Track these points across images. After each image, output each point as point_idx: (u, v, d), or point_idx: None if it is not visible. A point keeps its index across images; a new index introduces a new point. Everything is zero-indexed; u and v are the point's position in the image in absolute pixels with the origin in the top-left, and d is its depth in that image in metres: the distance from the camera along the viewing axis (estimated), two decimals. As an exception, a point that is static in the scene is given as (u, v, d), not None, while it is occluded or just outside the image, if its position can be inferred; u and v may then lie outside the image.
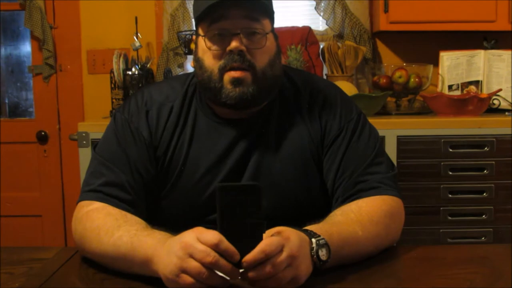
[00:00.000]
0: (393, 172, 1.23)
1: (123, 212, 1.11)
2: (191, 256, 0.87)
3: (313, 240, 0.96)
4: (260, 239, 0.88)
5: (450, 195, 2.35)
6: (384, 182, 1.19)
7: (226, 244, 0.86)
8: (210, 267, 0.86)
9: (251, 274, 0.87)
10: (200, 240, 0.87)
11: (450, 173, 2.34)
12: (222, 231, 0.87)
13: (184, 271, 0.87)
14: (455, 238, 2.36)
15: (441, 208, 2.35)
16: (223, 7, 1.14)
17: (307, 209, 1.22)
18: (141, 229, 1.03)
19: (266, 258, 0.86)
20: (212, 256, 0.85)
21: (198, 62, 1.21)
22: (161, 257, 0.93)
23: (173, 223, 1.05)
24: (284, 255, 0.88)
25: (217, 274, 0.87)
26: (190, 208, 1.22)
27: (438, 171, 2.33)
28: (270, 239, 0.88)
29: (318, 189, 1.25)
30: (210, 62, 1.18)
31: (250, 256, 0.86)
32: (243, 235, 0.87)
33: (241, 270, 0.88)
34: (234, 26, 1.15)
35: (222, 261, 0.86)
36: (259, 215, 0.87)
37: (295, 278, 0.90)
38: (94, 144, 1.28)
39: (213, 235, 0.87)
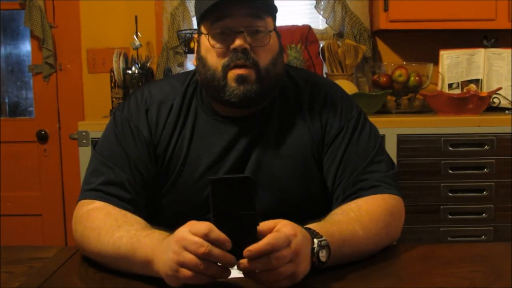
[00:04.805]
0: (393, 171, 1.23)
1: (123, 212, 1.11)
2: (186, 249, 0.87)
3: (315, 240, 0.96)
4: (253, 230, 0.88)
5: (450, 194, 2.35)
6: (384, 181, 1.19)
7: (217, 233, 0.87)
8: (205, 257, 0.86)
9: (253, 264, 0.87)
10: (191, 232, 0.88)
11: (450, 171, 2.34)
12: (215, 223, 0.88)
13: (181, 264, 0.87)
14: (455, 237, 2.36)
15: (441, 207, 2.35)
16: (226, 5, 1.14)
17: (307, 208, 1.22)
18: (141, 229, 1.03)
19: (271, 251, 0.87)
20: (205, 246, 0.86)
21: (201, 61, 1.20)
22: (160, 257, 0.93)
23: (173, 221, 1.05)
24: (288, 250, 0.88)
25: (215, 265, 0.87)
26: (190, 206, 1.22)
27: (438, 169, 2.33)
28: (278, 233, 0.89)
29: (318, 188, 1.25)
30: (214, 60, 1.17)
31: (255, 247, 0.87)
32: (236, 226, 0.88)
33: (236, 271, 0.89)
34: (238, 24, 1.15)
35: (216, 251, 0.86)
36: (252, 207, 0.88)
37: (293, 274, 0.90)
38: (94, 143, 1.28)
39: (203, 226, 0.87)
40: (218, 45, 1.16)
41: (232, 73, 1.15)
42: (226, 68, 1.16)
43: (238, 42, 1.14)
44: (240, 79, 1.15)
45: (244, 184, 0.88)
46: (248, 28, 1.15)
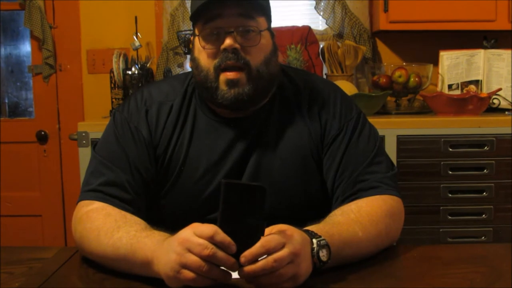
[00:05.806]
0: (392, 172, 1.23)
1: (123, 213, 1.11)
2: (190, 250, 0.87)
3: (314, 240, 0.96)
4: (257, 239, 0.88)
5: (450, 195, 2.35)
6: (384, 182, 1.19)
7: (222, 235, 0.87)
8: (208, 260, 0.86)
9: (251, 267, 0.87)
10: (196, 234, 0.88)
11: (450, 172, 2.34)
12: (220, 226, 0.87)
13: (184, 266, 0.87)
14: (455, 238, 2.36)
15: (441, 208, 2.35)
16: (217, 6, 1.14)
17: (306, 209, 1.22)
18: (140, 230, 1.03)
19: (267, 254, 0.87)
20: (210, 248, 0.86)
21: (194, 62, 1.21)
22: (161, 257, 0.93)
23: (173, 222, 1.05)
24: (286, 251, 0.88)
25: (218, 267, 0.87)
26: (190, 207, 1.22)
27: (438, 170, 2.33)
28: (271, 235, 0.88)
29: (318, 189, 1.25)
30: (206, 61, 1.18)
31: (249, 252, 0.87)
32: (242, 233, 0.87)
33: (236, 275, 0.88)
34: (228, 25, 1.15)
35: (220, 254, 0.86)
36: (260, 216, 0.88)
37: (295, 276, 0.90)
38: (94, 143, 1.28)
39: (208, 228, 0.87)
40: (208, 46, 1.17)
41: (223, 76, 1.16)
42: (218, 69, 1.16)
43: (228, 42, 1.14)
44: (231, 83, 1.15)
45: (256, 193, 0.87)
46: (239, 28, 1.15)
